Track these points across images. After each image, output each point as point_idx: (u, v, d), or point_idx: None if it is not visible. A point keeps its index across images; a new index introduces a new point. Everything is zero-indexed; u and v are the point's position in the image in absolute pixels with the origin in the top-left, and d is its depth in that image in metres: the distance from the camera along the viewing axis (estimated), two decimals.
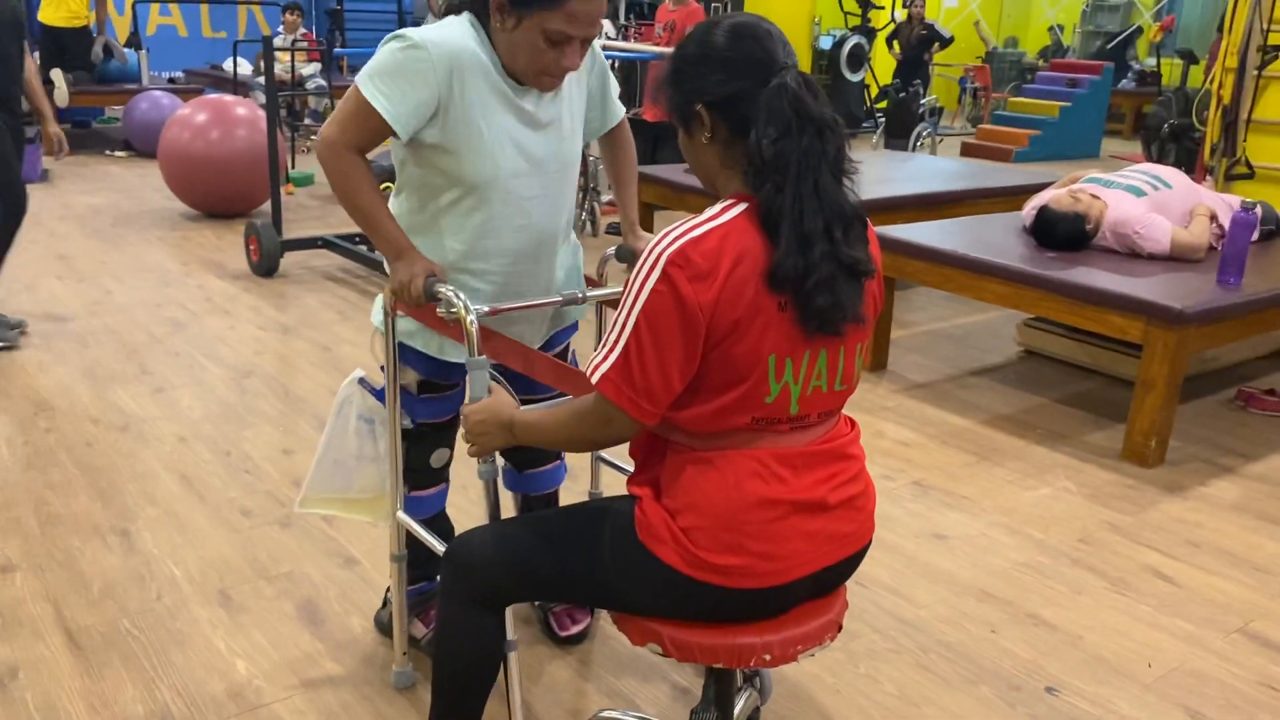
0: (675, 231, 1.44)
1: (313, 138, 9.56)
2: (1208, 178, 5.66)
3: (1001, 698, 2.30)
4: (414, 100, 1.83)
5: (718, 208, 1.47)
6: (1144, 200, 4.08)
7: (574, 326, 2.31)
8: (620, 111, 2.23)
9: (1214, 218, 4.17)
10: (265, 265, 5.41)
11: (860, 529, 1.60)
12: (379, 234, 1.89)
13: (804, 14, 15.18)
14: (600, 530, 1.58)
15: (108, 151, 9.21)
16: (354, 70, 11.79)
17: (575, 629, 2.41)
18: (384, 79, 1.82)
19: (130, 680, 2.23)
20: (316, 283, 5.41)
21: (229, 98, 6.89)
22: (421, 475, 2.19)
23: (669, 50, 6.67)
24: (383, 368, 2.07)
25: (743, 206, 1.46)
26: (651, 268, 1.42)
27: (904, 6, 11.01)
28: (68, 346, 4.26)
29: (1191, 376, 4.39)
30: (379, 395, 2.15)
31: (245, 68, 9.97)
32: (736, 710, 1.87)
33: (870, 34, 12.78)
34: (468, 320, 1.74)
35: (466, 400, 1.72)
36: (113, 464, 3.23)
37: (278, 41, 9.26)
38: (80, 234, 6.22)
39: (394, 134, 1.86)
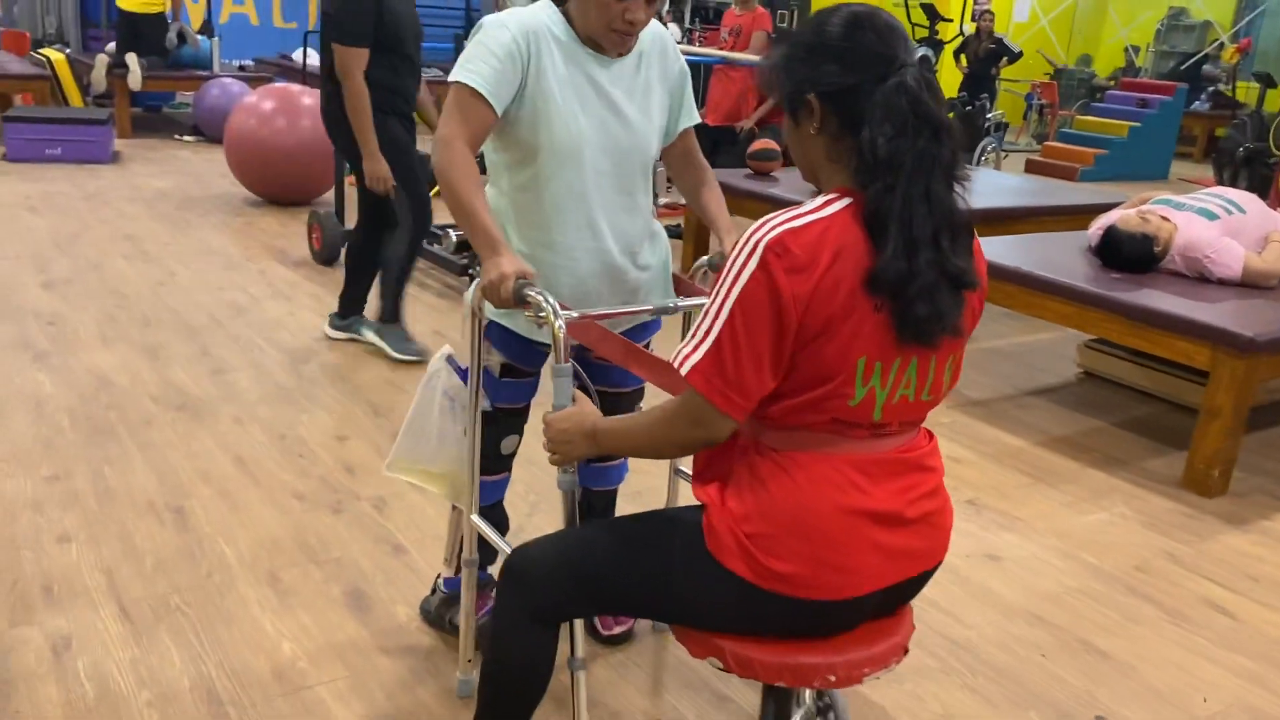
0: (775, 219, 1.39)
1: None
2: None
3: None
4: (500, 71, 1.89)
5: (820, 200, 1.42)
6: (1216, 224, 3.99)
7: (657, 324, 2.29)
8: (696, 116, 2.22)
9: None
10: (326, 254, 5.47)
11: (934, 546, 1.54)
12: (475, 228, 1.87)
13: None
14: (669, 543, 1.53)
15: (177, 136, 9.37)
16: (426, 66, 11.89)
17: (620, 629, 2.40)
18: (471, 60, 1.92)
19: (178, 654, 2.26)
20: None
21: (296, 87, 6.97)
22: (489, 461, 2.20)
23: (734, 55, 6.58)
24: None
25: (847, 201, 1.41)
26: (750, 255, 1.37)
27: (973, 20, 10.89)
28: (131, 325, 4.34)
29: (1257, 406, 4.28)
30: (463, 375, 2.13)
31: (315, 59, 10.10)
32: None
33: (937, 46, 12.64)
34: (556, 325, 1.70)
35: (551, 408, 1.69)
36: (169, 442, 3.28)
37: None
38: (147, 215, 6.34)
39: (493, 113, 1.90)
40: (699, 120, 2.23)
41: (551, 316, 1.72)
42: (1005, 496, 3.34)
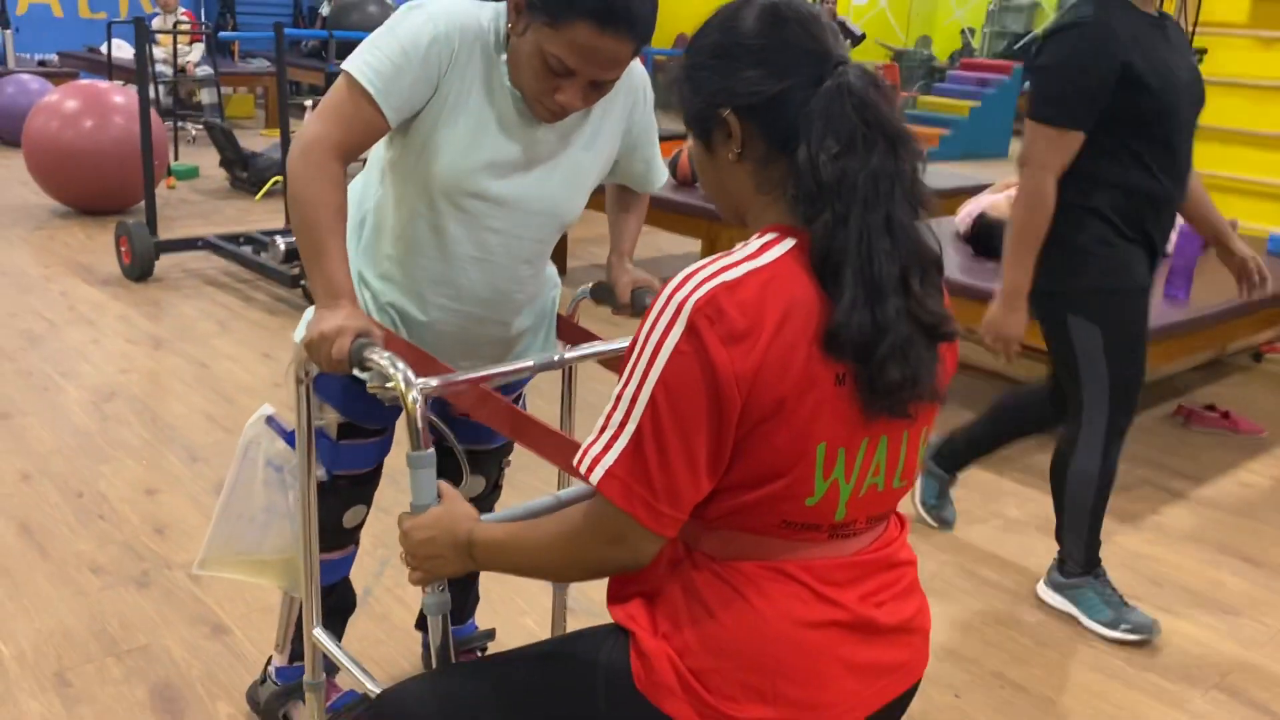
0: (701, 273, 1.06)
1: (196, 129, 8.95)
2: None
3: None
4: (412, 76, 1.47)
5: (756, 243, 1.10)
6: None
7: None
8: (662, 178, 1.82)
9: None
10: (138, 269, 4.90)
11: (915, 657, 1.23)
12: (320, 263, 1.45)
13: (715, 8, 14.86)
14: (590, 687, 1.17)
15: None
16: (246, 57, 11.15)
17: None
18: (374, 49, 1.47)
19: None
20: (195, 288, 4.92)
21: (104, 83, 6.31)
22: (330, 536, 1.78)
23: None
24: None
25: (790, 243, 1.09)
26: (671, 321, 1.04)
27: (819, 3, 10.83)
28: None
29: None
30: (290, 439, 1.72)
31: (128, 51, 9.29)
32: None
33: None
34: (410, 398, 1.29)
35: (409, 507, 1.31)
36: None
37: (156, 23, 8.62)
38: None
39: (383, 120, 1.47)
40: (664, 181, 1.83)
41: (403, 386, 1.31)
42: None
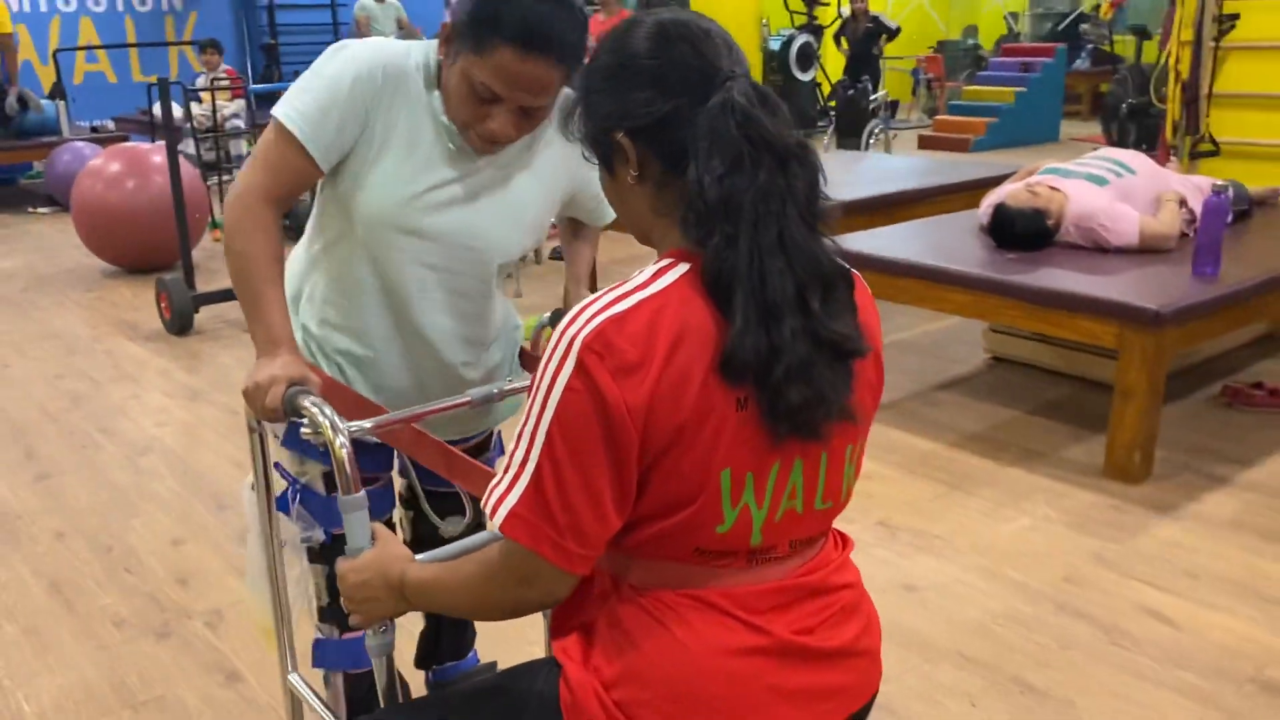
0: (592, 306, 1.06)
1: None
2: (1172, 158, 5.36)
3: None
4: (339, 118, 1.48)
5: (649, 271, 1.09)
6: (1107, 189, 3.78)
7: (499, 444, 1.90)
8: (611, 215, 1.73)
9: (1183, 203, 3.86)
10: (178, 323, 5.04)
11: (863, 679, 1.20)
12: (259, 313, 1.46)
13: (751, 15, 14.90)
14: (516, 717, 1.18)
15: (30, 209, 8.80)
16: None
17: None
18: (301, 93, 1.48)
19: None
20: (234, 337, 5.03)
21: (145, 144, 6.53)
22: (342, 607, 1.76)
23: None
24: (277, 464, 1.67)
25: (683, 268, 1.08)
26: (563, 358, 1.04)
27: (849, 1, 10.74)
28: None
29: (1171, 374, 4.07)
30: (282, 505, 1.69)
31: (178, 111, 9.57)
32: None
33: (818, 31, 12.52)
34: (337, 444, 1.30)
35: (345, 552, 1.30)
36: None
37: (199, 81, 8.87)
38: None
39: (313, 166, 1.49)
40: (613, 218, 1.82)
41: (330, 432, 1.31)
42: (919, 512, 3.06)
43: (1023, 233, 3.74)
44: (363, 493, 1.30)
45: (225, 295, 5.19)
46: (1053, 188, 3.83)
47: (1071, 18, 14.45)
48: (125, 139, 9.41)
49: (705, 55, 1.09)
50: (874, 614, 1.24)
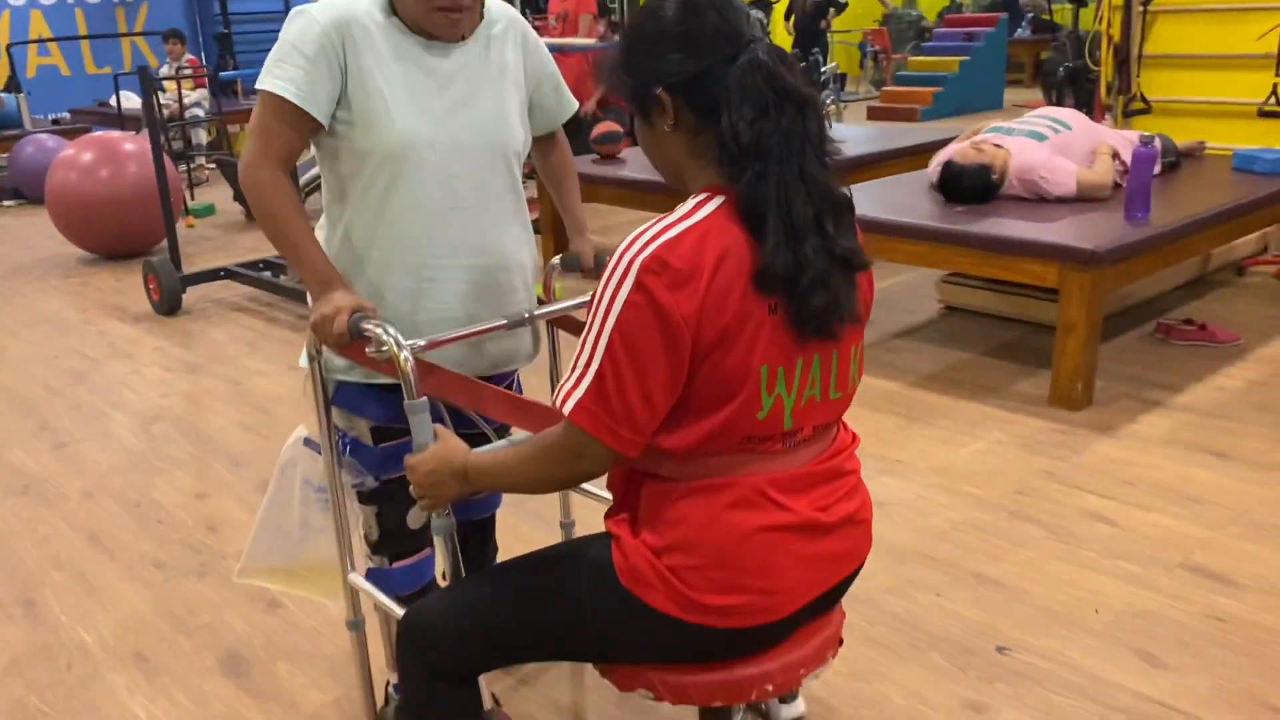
0: (646, 234, 1.28)
1: (208, 168, 9.28)
2: (1106, 116, 5.70)
3: (953, 662, 2.25)
4: (313, 73, 1.66)
5: (690, 204, 1.32)
6: (1046, 144, 4.09)
7: (516, 370, 2.06)
8: (574, 102, 2.03)
9: (1116, 155, 4.18)
10: (167, 304, 5.21)
11: (858, 545, 1.48)
12: (302, 262, 1.67)
13: None
14: (576, 580, 1.42)
15: None
16: (251, 95, 11.49)
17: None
18: (278, 62, 1.67)
19: None
20: (223, 315, 5.22)
21: (116, 134, 6.64)
22: (399, 540, 1.92)
23: (565, 40, 6.41)
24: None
25: (719, 200, 1.31)
26: (622, 277, 1.26)
27: None
28: None
29: (1110, 315, 4.41)
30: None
31: (135, 101, 9.64)
32: None
33: (767, 8, 12.78)
34: (401, 357, 1.52)
35: (412, 449, 1.53)
36: (12, 530, 3.05)
37: (163, 71, 8.95)
38: None
39: (311, 123, 1.68)
40: (577, 106, 2.05)
41: (395, 348, 1.53)
42: (884, 441, 3.36)
43: (970, 187, 4.04)
44: (424, 398, 1.54)
45: (211, 275, 5.38)
46: (996, 144, 4.13)
47: None
48: (87, 130, 9.47)
49: (730, 21, 1.32)
50: (867, 493, 1.52)
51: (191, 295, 5.54)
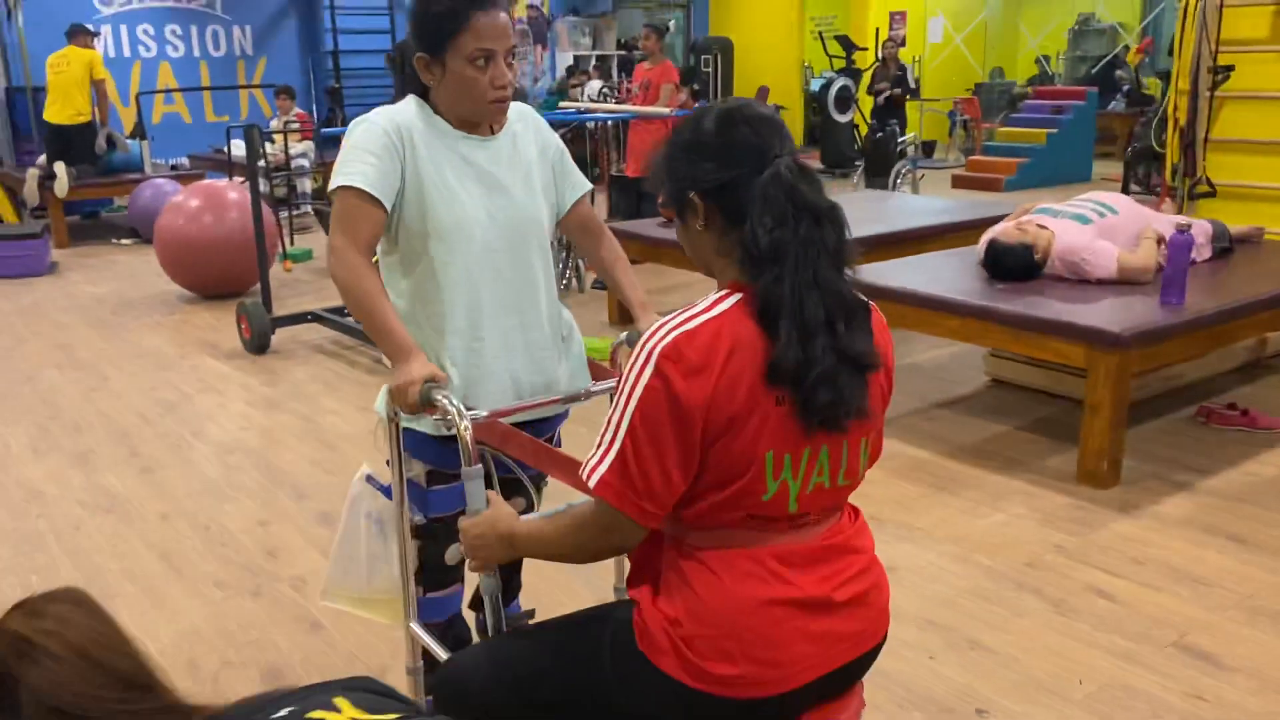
0: (668, 324, 1.41)
1: (310, 214, 9.82)
2: (1168, 199, 5.75)
3: None
4: (380, 167, 1.91)
5: (711, 298, 1.44)
6: (1090, 227, 4.20)
7: (565, 414, 2.27)
8: (586, 183, 2.22)
9: (1162, 240, 4.26)
10: (256, 343, 5.60)
11: (871, 626, 1.53)
12: (383, 334, 1.88)
13: (794, 59, 15.40)
14: (600, 639, 1.53)
15: (114, 240, 9.49)
16: None
17: None
18: (349, 163, 1.93)
19: None
20: (306, 356, 5.58)
21: (222, 182, 7.15)
22: (436, 574, 2.15)
23: (645, 109, 6.74)
24: (388, 462, 2.04)
25: (737, 297, 1.43)
26: (645, 363, 1.39)
27: (881, 49, 11.23)
28: (62, 434, 4.44)
29: (1154, 396, 4.46)
30: (386, 492, 2.09)
31: (241, 150, 10.26)
32: None
33: (855, 75, 13.00)
34: (462, 427, 1.71)
35: (465, 513, 1.70)
36: (97, 545, 3.37)
37: (273, 124, 9.55)
38: (82, 323, 6.45)
39: (383, 210, 1.92)
40: (590, 188, 2.25)
41: (457, 418, 1.72)
42: (906, 509, 3.49)
43: (1011, 265, 4.17)
44: (479, 466, 1.73)
45: (299, 318, 5.75)
46: (1041, 225, 4.25)
47: (1105, 61, 14.79)
48: (202, 176, 10.11)
49: (762, 136, 1.45)
50: (884, 577, 1.58)
51: (280, 335, 5.93)
